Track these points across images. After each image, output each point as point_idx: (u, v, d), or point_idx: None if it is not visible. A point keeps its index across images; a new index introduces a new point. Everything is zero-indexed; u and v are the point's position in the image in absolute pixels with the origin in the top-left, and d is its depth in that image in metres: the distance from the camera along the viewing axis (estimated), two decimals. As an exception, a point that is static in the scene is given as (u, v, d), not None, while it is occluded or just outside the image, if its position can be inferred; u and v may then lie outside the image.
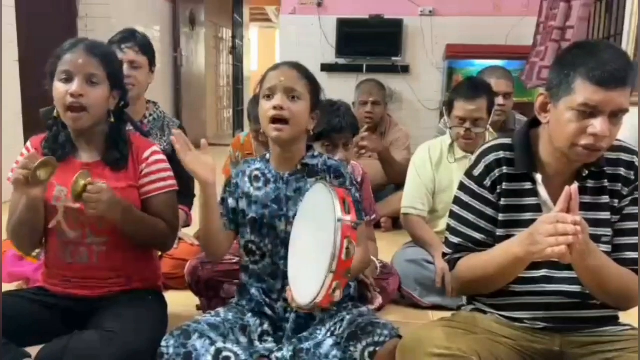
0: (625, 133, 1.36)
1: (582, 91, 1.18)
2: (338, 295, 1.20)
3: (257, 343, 1.48)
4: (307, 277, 1.27)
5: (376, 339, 1.35)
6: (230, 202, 1.59)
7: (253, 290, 1.56)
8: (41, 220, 1.53)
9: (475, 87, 2.34)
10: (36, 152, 1.43)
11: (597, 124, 1.18)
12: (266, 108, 1.48)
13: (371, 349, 1.34)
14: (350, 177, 1.56)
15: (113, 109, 1.59)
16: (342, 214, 1.19)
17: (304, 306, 1.26)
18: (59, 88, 1.50)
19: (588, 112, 1.18)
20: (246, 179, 1.59)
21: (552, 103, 1.26)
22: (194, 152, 1.44)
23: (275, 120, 1.47)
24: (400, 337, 1.34)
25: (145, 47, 2.25)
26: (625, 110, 1.19)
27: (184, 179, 2.19)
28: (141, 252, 1.64)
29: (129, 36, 2.23)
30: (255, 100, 2.75)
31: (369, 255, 1.61)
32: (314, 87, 1.53)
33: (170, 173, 1.66)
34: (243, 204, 1.57)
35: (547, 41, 4.13)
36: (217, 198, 1.54)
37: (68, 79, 1.49)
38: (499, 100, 2.84)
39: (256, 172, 1.59)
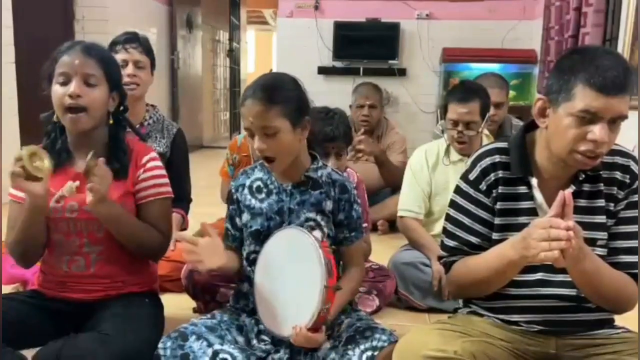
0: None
1: (583, 97, 1.18)
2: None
3: (254, 342, 1.48)
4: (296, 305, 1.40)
5: (375, 343, 1.36)
6: (238, 221, 1.59)
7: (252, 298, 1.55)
8: (42, 237, 1.52)
9: (468, 90, 2.34)
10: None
11: (597, 130, 1.18)
12: (253, 146, 1.49)
13: (369, 353, 1.34)
14: (354, 193, 1.55)
15: (112, 111, 1.58)
16: (320, 243, 1.37)
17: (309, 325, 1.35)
18: (57, 91, 1.49)
19: (588, 118, 1.18)
20: (246, 191, 1.58)
21: (551, 108, 1.25)
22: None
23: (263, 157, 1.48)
24: (397, 342, 1.34)
25: (148, 49, 2.32)
26: (624, 117, 1.20)
27: (181, 184, 2.20)
28: (138, 259, 1.63)
29: (133, 37, 2.28)
30: None
31: (363, 273, 1.65)
32: (290, 106, 1.43)
33: (166, 180, 1.65)
34: (246, 217, 1.56)
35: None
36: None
37: (66, 82, 1.49)
38: (490, 110, 2.83)
39: (258, 183, 1.57)
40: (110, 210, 1.48)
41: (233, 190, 1.60)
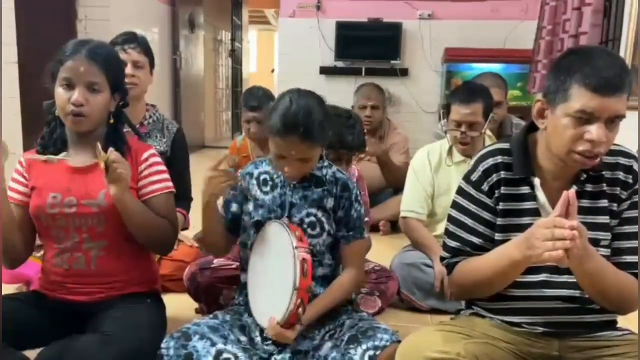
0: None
1: (579, 98, 1.18)
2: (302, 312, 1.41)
3: (257, 340, 1.48)
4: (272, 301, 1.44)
5: (377, 342, 1.36)
6: (234, 207, 1.61)
7: None
8: (12, 239, 1.48)
9: (471, 91, 2.34)
10: None
11: (594, 130, 1.18)
12: (278, 165, 1.51)
13: (371, 352, 1.34)
14: (356, 192, 1.58)
15: (113, 110, 1.59)
16: (297, 243, 1.40)
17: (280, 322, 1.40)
18: (61, 94, 1.49)
19: (584, 118, 1.18)
20: (254, 181, 1.61)
21: (549, 109, 1.26)
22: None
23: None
24: (400, 342, 1.34)
25: (147, 48, 2.32)
26: (622, 116, 1.20)
27: (182, 183, 2.20)
28: (139, 256, 1.63)
29: (132, 37, 2.29)
30: (250, 91, 2.81)
31: (359, 276, 1.65)
32: (327, 135, 1.50)
33: (167, 175, 1.66)
34: (249, 206, 1.59)
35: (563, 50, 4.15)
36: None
37: (69, 86, 1.49)
38: None
39: (265, 176, 1.60)
40: (132, 199, 1.49)
41: (239, 177, 1.62)
